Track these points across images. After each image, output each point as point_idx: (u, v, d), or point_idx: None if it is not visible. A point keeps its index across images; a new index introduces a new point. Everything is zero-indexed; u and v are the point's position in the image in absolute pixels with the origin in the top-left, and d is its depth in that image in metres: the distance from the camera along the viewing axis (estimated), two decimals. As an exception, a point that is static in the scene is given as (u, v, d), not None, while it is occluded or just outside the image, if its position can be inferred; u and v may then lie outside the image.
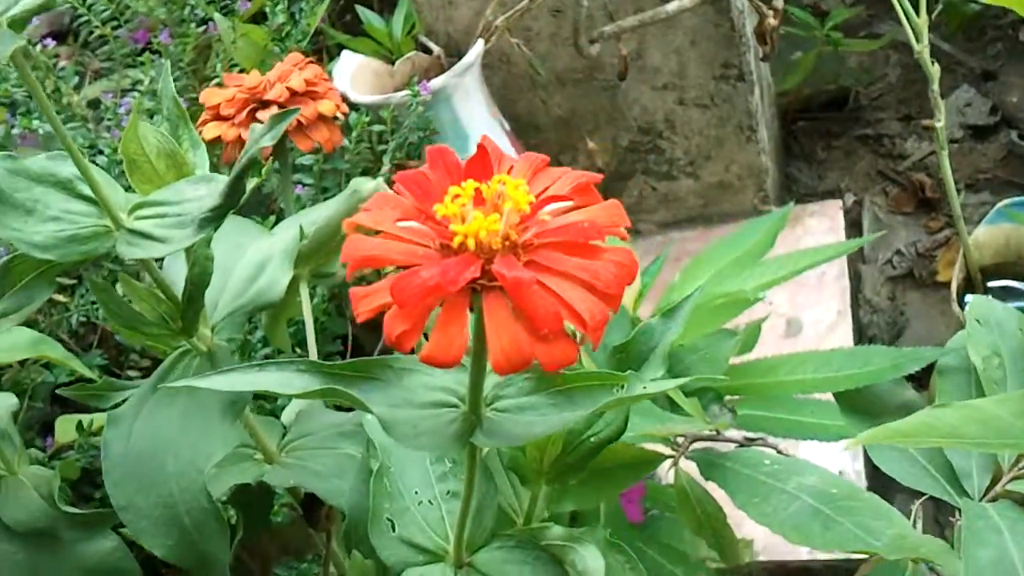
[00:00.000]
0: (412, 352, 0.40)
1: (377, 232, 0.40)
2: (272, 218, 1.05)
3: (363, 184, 0.85)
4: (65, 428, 0.96)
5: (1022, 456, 0.73)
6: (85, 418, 0.93)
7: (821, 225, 1.59)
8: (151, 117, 1.07)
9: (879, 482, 1.21)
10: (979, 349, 0.80)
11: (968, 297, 1.29)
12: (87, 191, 0.63)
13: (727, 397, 0.85)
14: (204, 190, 0.64)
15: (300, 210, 1.15)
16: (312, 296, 0.90)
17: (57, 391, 0.79)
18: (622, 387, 0.49)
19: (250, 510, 0.76)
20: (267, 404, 0.97)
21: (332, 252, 0.88)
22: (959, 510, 0.76)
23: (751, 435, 0.82)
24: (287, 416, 0.86)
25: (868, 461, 1.15)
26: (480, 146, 0.42)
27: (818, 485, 0.72)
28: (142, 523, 0.62)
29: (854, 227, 1.66)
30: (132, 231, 0.62)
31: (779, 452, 0.81)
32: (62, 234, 0.61)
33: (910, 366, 0.83)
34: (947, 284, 1.57)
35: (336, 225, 0.86)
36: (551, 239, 0.39)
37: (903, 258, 1.63)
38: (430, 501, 0.58)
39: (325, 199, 1.20)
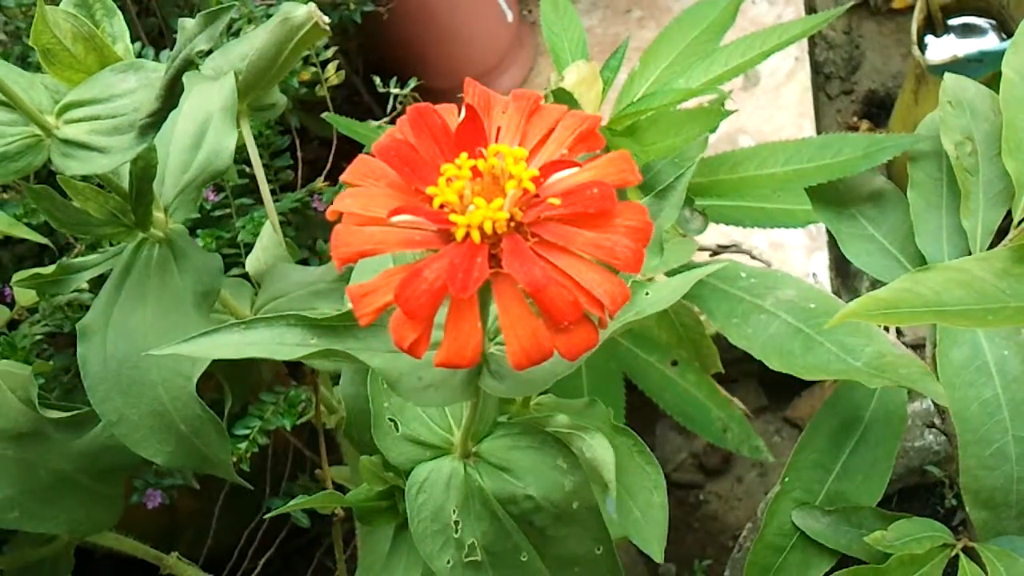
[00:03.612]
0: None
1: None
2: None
3: (294, 10, 0.78)
4: (23, 291, 0.93)
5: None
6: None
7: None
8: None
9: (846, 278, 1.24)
10: (951, 135, 0.79)
11: (928, 39, 1.26)
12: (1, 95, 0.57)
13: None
14: (133, 81, 0.57)
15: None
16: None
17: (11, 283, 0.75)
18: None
19: (235, 379, 0.75)
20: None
21: (269, 84, 0.83)
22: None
23: (724, 243, 0.81)
24: (251, 267, 0.84)
25: (835, 254, 1.16)
26: (468, 107, 0.37)
27: (796, 300, 0.73)
28: (137, 434, 0.61)
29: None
30: (66, 141, 0.56)
31: (753, 257, 0.82)
32: (-12, 152, 0.55)
33: (882, 155, 0.81)
34: (902, 11, 1.52)
35: (270, 55, 0.80)
36: (560, 212, 0.36)
37: (857, -18, 1.57)
38: (428, 391, 0.57)
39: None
